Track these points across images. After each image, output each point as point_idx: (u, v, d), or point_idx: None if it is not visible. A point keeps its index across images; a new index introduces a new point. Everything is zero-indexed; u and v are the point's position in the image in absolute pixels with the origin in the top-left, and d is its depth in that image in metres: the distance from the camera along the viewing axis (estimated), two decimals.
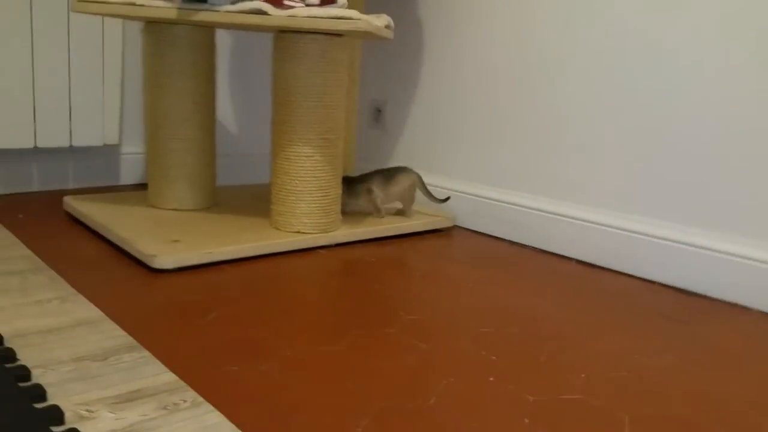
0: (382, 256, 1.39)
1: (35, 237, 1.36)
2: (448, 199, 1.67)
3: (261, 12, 1.20)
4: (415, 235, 1.59)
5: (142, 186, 1.92)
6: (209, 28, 1.49)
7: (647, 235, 1.33)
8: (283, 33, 1.34)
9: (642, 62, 1.33)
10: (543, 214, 1.52)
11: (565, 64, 1.46)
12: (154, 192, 1.53)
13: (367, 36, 1.42)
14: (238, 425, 0.71)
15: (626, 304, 1.19)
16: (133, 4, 1.23)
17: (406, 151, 1.88)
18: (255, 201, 1.66)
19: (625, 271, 1.38)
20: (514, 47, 1.56)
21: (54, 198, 1.72)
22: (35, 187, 1.78)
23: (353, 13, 1.22)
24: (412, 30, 1.82)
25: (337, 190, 1.45)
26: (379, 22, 1.34)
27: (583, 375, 0.89)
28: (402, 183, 1.58)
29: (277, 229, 1.41)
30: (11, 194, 1.74)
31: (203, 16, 1.22)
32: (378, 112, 1.94)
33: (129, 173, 1.93)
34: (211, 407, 0.74)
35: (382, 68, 1.93)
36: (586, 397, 0.83)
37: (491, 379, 0.86)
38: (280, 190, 1.40)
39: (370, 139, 1.99)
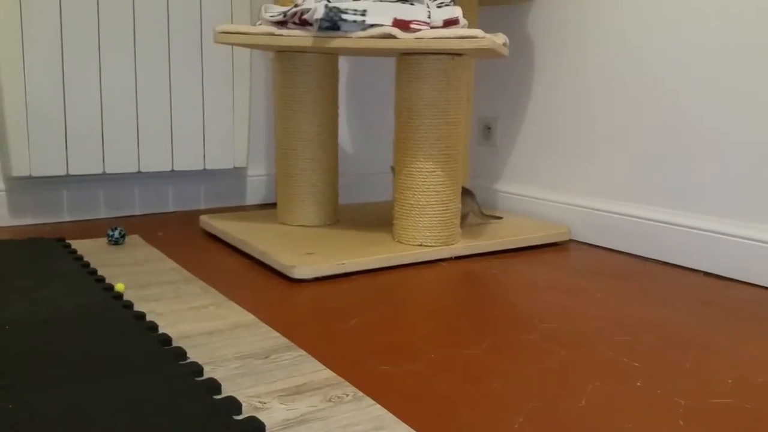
0: (504, 268, 1.42)
1: (177, 252, 1.47)
2: (500, 218, 1.74)
3: (391, 36, 1.27)
4: (532, 248, 1.60)
5: (265, 206, 2.03)
6: (334, 55, 1.58)
7: None
8: (406, 55, 1.40)
9: (760, 63, 1.30)
10: (664, 225, 1.50)
11: (679, 70, 1.45)
12: (283, 209, 1.63)
13: (486, 54, 1.46)
14: (398, 416, 0.76)
15: (762, 314, 1.16)
16: (273, 35, 1.32)
17: (516, 167, 1.90)
18: (375, 217, 1.73)
19: (759, 283, 1.34)
20: (625, 57, 1.56)
21: (188, 217, 1.85)
22: (170, 208, 1.92)
23: (477, 32, 1.27)
24: (522, 46, 1.85)
25: (457, 203, 1.49)
26: (498, 40, 1.38)
27: (729, 381, 0.89)
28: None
29: (400, 242, 1.47)
30: (149, 214, 1.88)
31: (337, 42, 1.30)
32: (488, 130, 1.98)
33: (254, 194, 2.05)
34: (372, 401, 0.79)
35: (491, 86, 1.97)
36: (737, 401, 0.82)
37: (638, 383, 0.87)
38: (403, 205, 1.45)
39: (480, 156, 2.03)
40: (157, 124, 1.75)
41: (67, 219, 1.77)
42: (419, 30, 1.29)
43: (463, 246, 1.49)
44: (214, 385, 0.80)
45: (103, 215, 1.82)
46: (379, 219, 1.71)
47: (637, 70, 1.55)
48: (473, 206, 1.64)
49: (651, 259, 1.54)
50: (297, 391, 0.81)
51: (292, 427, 0.73)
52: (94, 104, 1.66)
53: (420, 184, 1.43)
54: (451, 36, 1.26)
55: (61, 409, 0.73)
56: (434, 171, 1.42)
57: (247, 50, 1.87)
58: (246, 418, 0.73)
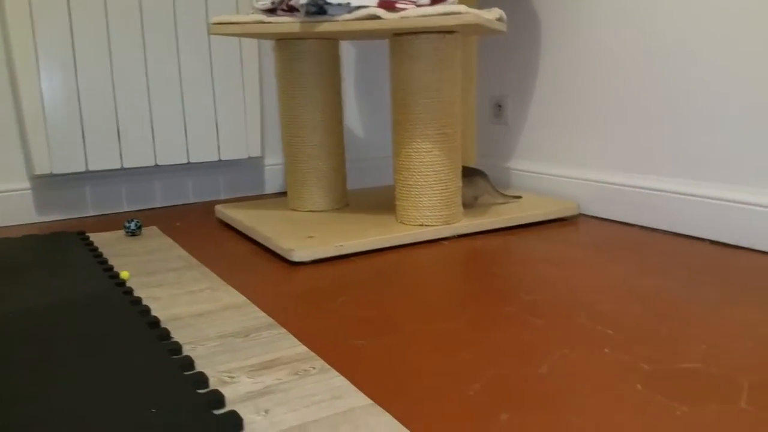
0: (505, 245, 1.42)
1: (190, 241, 1.53)
2: (519, 197, 1.73)
3: (376, 17, 1.28)
4: (539, 224, 1.60)
5: (283, 194, 2.08)
6: (333, 41, 1.60)
7: None
8: (398, 36, 1.41)
9: (764, 33, 1.26)
10: (672, 195, 1.47)
11: (685, 42, 1.41)
12: (292, 196, 1.67)
13: (479, 30, 1.46)
14: (359, 387, 0.78)
15: (759, 281, 1.14)
16: (262, 22, 1.36)
17: (528, 144, 1.89)
18: (383, 201, 1.75)
19: (764, 249, 1.31)
20: (631, 29, 1.53)
21: (207, 208, 1.91)
22: (190, 199, 1.99)
23: (461, 7, 1.27)
24: (529, 23, 1.83)
25: (457, 182, 1.49)
26: (489, 15, 1.37)
27: (704, 346, 0.87)
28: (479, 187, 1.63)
29: (403, 223, 1.48)
30: (170, 206, 1.95)
31: (324, 26, 1.32)
32: (498, 108, 1.97)
33: (272, 182, 2.10)
34: (336, 373, 0.82)
35: (500, 63, 1.96)
36: (705, 366, 0.82)
37: (606, 350, 0.87)
38: (403, 186, 1.47)
39: (492, 134, 2.02)
40: (170, 117, 1.81)
41: (91, 214, 1.85)
42: (405, 9, 1.30)
43: (466, 224, 1.49)
44: (188, 362, 0.85)
45: (125, 209, 1.89)
46: (387, 202, 1.73)
47: (643, 43, 1.52)
48: (486, 187, 1.64)
49: (659, 230, 1.51)
50: (267, 366, 0.85)
51: (253, 398, 0.76)
52: (108, 101, 1.73)
53: (418, 165, 1.44)
54: (434, 13, 1.26)
55: (40, 387, 0.78)
56: (431, 151, 1.43)
57: (255, 41, 1.91)
58: (208, 391, 0.77)
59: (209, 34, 1.43)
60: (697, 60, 1.40)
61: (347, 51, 2.15)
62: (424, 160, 1.43)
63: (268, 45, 2.00)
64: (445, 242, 1.45)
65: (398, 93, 1.44)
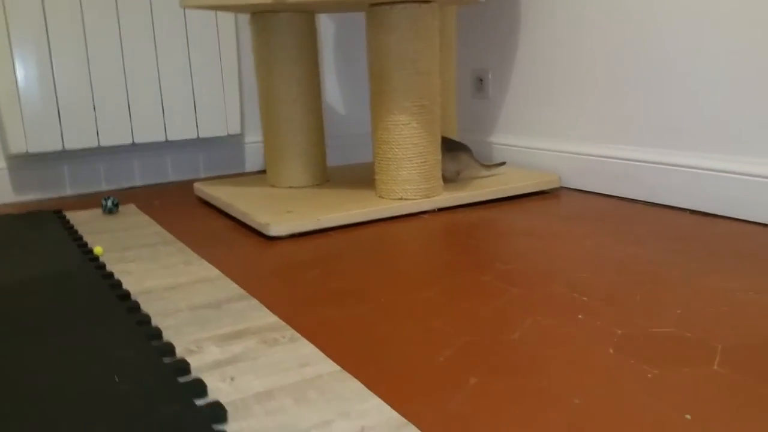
0: (485, 218, 1.41)
1: (168, 218, 1.51)
2: (503, 164, 1.75)
3: None
4: (520, 197, 1.59)
5: (264, 172, 2.06)
6: (309, 14, 1.58)
7: (765, 177, 1.25)
8: (374, 6, 1.39)
9: (741, 5, 1.25)
10: (652, 165, 1.46)
11: (663, 14, 1.40)
12: (272, 172, 1.65)
13: (456, 0, 1.44)
14: (328, 356, 0.77)
15: (737, 248, 1.13)
16: None
17: (509, 118, 1.87)
18: (363, 177, 1.74)
19: (742, 217, 1.30)
20: (609, 3, 1.52)
21: (186, 187, 1.89)
22: (170, 178, 1.96)
23: None
24: None
25: (437, 155, 1.48)
26: None
27: (678, 311, 0.87)
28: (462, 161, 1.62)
29: (382, 197, 1.47)
30: (149, 185, 1.93)
31: None
32: (480, 82, 1.95)
33: (253, 161, 2.07)
34: (306, 342, 0.81)
35: (481, 38, 1.94)
36: (678, 330, 0.81)
37: (579, 316, 0.86)
38: (382, 159, 1.45)
39: (474, 109, 2.00)
40: (146, 95, 1.79)
41: (69, 193, 1.82)
42: None
43: (446, 197, 1.48)
44: (156, 333, 0.83)
45: (104, 188, 1.87)
46: (367, 178, 1.71)
47: (622, 15, 1.50)
48: (469, 161, 1.62)
49: (640, 201, 1.51)
50: (236, 336, 0.84)
51: (220, 366, 0.75)
52: (83, 80, 1.70)
53: (396, 138, 1.42)
54: None
55: (4, 358, 0.77)
56: (409, 123, 1.41)
57: (231, 16, 1.88)
58: (174, 360, 0.75)
59: (181, 6, 1.40)
60: (674, 30, 1.39)
61: (326, 25, 2.12)
62: (402, 132, 1.42)
63: (245, 20, 1.97)
64: (425, 216, 1.44)
65: (375, 65, 1.42)
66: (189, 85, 1.84)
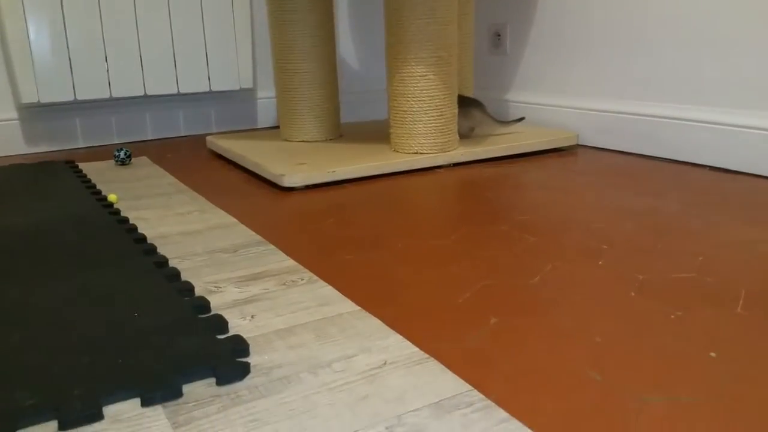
0: (501, 173, 1.39)
1: (181, 170, 1.50)
2: (521, 119, 1.71)
3: None
4: (537, 154, 1.57)
5: (277, 128, 2.04)
6: None
7: None
8: None
9: None
10: (671, 121, 1.44)
11: None
12: (284, 126, 1.63)
13: None
14: (347, 296, 0.77)
15: (758, 201, 1.11)
16: None
17: (527, 74, 1.84)
18: (377, 133, 1.72)
19: (764, 173, 1.28)
20: None
21: (199, 141, 1.88)
22: (182, 132, 1.95)
23: None
24: None
25: (453, 109, 1.46)
26: None
27: (701, 258, 0.86)
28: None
29: (397, 151, 1.46)
30: (162, 138, 1.92)
31: None
32: (497, 37, 1.92)
33: (265, 117, 2.06)
34: (324, 283, 0.81)
35: None
36: (701, 275, 0.80)
37: (600, 263, 0.85)
38: (397, 112, 1.43)
39: (491, 65, 1.97)
40: (158, 46, 1.77)
41: (81, 146, 1.82)
42: None
43: (462, 152, 1.46)
44: (174, 273, 0.83)
45: (116, 141, 1.86)
46: (382, 134, 1.70)
47: None
48: (483, 117, 1.60)
49: (660, 158, 1.49)
50: (255, 278, 0.83)
51: (239, 305, 0.75)
52: (95, 30, 1.68)
53: (412, 90, 1.40)
54: None
55: (25, 293, 0.77)
56: (426, 75, 1.39)
57: None
58: (194, 298, 0.75)
59: None
60: None
61: None
62: (418, 84, 1.40)
63: None
64: (440, 170, 1.43)
65: (391, 13, 1.39)
66: (201, 37, 1.81)
